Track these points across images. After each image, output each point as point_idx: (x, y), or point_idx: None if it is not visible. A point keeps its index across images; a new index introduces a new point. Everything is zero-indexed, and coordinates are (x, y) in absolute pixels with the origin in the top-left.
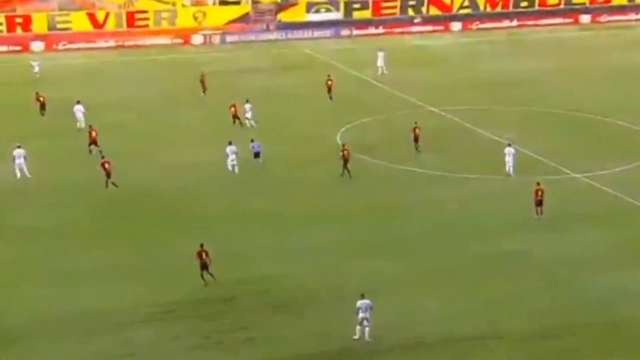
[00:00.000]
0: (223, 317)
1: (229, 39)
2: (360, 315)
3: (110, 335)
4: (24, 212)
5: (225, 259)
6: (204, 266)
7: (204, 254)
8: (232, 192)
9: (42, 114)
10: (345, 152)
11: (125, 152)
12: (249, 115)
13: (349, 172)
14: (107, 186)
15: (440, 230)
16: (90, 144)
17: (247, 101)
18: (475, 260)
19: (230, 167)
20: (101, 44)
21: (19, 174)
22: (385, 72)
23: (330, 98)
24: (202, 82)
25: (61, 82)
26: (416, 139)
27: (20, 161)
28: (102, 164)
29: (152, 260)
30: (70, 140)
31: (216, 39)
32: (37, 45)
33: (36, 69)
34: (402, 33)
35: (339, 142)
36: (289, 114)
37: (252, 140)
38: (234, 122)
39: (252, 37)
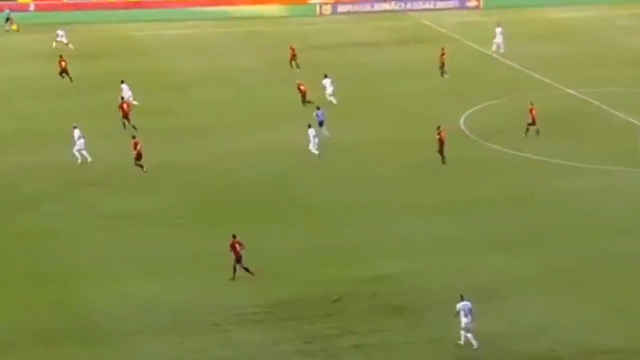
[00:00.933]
0: (328, 321)
1: (340, 8)
2: (463, 320)
3: (207, 335)
4: (112, 199)
5: (331, 254)
6: (239, 259)
7: (237, 246)
8: (331, 180)
9: (62, 77)
10: (442, 134)
11: (219, 130)
12: (329, 90)
13: (443, 157)
14: (143, 168)
15: (574, 225)
16: (123, 117)
17: (326, 76)
18: (616, 260)
19: (314, 150)
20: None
21: (79, 159)
22: (502, 49)
23: (442, 74)
24: (293, 58)
25: (159, 53)
26: (533, 122)
27: (80, 142)
28: (134, 144)
29: (250, 255)
30: (161, 120)
31: (327, 9)
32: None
33: (59, 38)
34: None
35: (462, 126)
36: (402, 93)
37: (317, 108)
38: (303, 102)
39: (367, 7)
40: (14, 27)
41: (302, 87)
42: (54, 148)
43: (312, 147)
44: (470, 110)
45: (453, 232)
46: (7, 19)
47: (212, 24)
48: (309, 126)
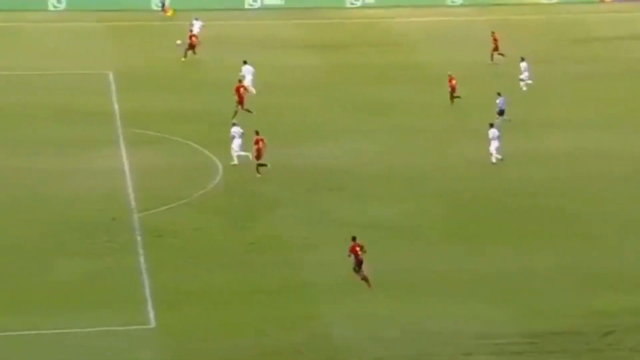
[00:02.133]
0: (598, 358)
1: None
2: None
3: None
4: (349, 205)
5: (606, 277)
6: (359, 264)
7: (358, 249)
8: (603, 190)
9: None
10: None
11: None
12: (524, 75)
13: None
14: (258, 171)
15: None
16: (237, 103)
17: (523, 59)
18: None
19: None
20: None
21: (236, 160)
22: None
23: None
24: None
25: (409, 44)
26: None
27: (237, 142)
28: (256, 140)
29: (508, 275)
30: (404, 118)
31: None
32: None
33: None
34: None
35: None
36: None
37: (498, 94)
38: (452, 98)
39: None
40: (169, 12)
41: (453, 81)
42: (292, 146)
43: (494, 151)
44: None
45: None
46: (163, 5)
47: (474, 11)
48: (491, 125)
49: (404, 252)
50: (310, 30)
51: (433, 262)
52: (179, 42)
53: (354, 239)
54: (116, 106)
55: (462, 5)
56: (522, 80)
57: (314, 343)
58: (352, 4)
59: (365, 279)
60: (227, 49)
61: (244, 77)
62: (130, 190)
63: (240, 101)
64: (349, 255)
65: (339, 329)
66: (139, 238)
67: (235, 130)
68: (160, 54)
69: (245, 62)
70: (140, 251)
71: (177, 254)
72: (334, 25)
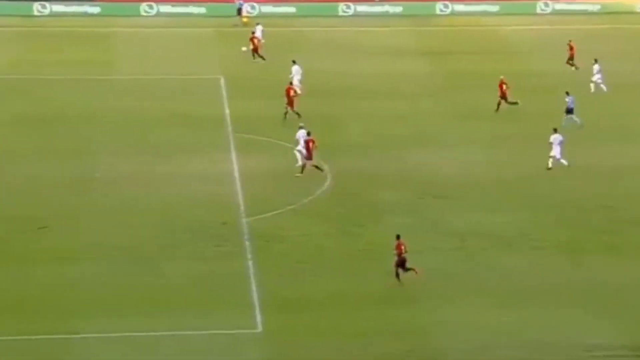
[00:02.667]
0: None
1: None
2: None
3: None
4: (460, 214)
5: None
6: (402, 263)
7: (402, 248)
8: None
9: (254, 57)
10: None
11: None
12: (596, 77)
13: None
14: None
15: None
16: (287, 104)
17: (596, 61)
18: None
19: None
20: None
21: (300, 161)
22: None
23: None
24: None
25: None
26: None
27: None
28: (307, 142)
29: (611, 285)
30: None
31: None
32: None
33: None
34: None
35: None
36: None
37: (567, 94)
38: (501, 103)
39: None
40: (244, 19)
41: (503, 87)
42: (401, 153)
43: (558, 155)
44: None
45: None
46: (239, 11)
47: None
48: (555, 130)
49: (511, 261)
50: (412, 36)
51: (540, 272)
52: (244, 48)
53: (398, 237)
54: (227, 111)
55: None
56: (593, 81)
57: (420, 351)
58: (441, 11)
59: (410, 269)
60: (330, 55)
61: (293, 77)
62: (239, 195)
63: (290, 102)
64: (395, 254)
65: (445, 337)
66: (247, 243)
67: (301, 133)
68: (270, 59)
69: (294, 62)
70: (249, 256)
71: (285, 259)
72: (432, 33)
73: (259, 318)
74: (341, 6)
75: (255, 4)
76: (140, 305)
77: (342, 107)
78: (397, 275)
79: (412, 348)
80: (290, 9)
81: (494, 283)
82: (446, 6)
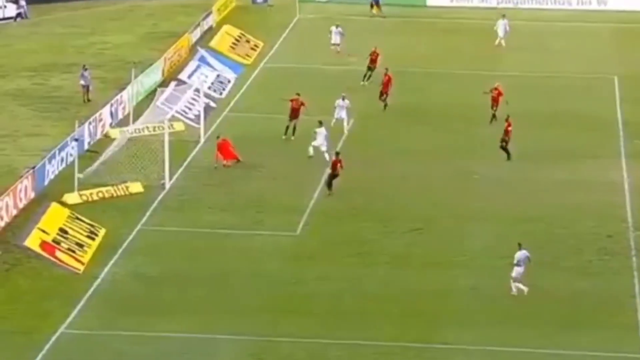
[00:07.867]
0: None
1: None
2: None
3: None
4: None
5: None
6: (334, 177)
7: (338, 165)
8: None
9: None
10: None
11: None
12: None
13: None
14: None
15: None
16: (290, 119)
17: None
18: None
19: None
20: None
21: (311, 151)
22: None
23: None
24: None
25: None
26: None
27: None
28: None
29: None
30: None
31: None
32: None
33: (335, 40)
34: None
35: None
36: None
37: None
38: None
39: None
40: (375, 9)
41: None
42: None
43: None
44: None
45: None
46: (377, 2)
47: None
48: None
49: None
50: None
51: None
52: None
53: (337, 154)
54: (619, 114)
55: None
56: None
57: None
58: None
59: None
60: None
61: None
62: (627, 206)
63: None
64: (328, 168)
65: None
66: (634, 259)
67: (320, 130)
68: None
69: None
70: (635, 273)
71: None
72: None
73: None
74: None
75: None
76: (509, 316)
77: None
78: (329, 186)
79: None
80: None
81: None
82: None
